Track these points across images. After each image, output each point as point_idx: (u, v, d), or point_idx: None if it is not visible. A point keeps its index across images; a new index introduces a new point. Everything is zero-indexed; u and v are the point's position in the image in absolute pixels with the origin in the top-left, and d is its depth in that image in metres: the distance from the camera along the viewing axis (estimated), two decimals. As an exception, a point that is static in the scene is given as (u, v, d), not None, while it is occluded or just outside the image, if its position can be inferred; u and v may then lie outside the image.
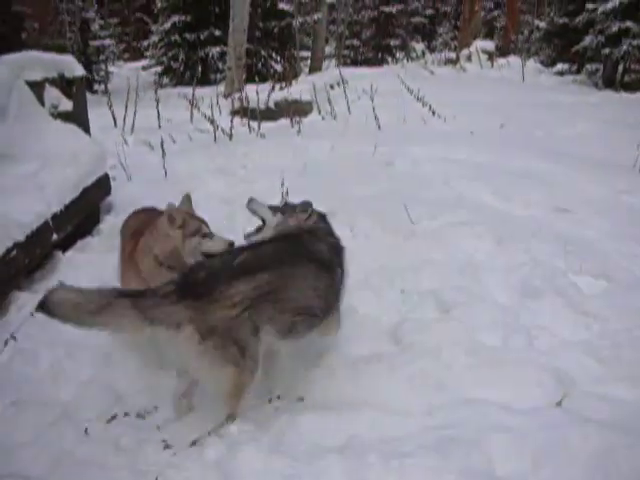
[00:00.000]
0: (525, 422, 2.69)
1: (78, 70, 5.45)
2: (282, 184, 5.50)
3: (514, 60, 16.64)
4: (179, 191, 6.03)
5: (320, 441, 2.70)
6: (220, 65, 16.41)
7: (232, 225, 5.21)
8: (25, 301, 4.07)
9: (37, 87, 5.40)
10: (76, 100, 5.45)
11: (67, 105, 5.45)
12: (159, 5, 18.33)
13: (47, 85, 5.42)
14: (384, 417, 2.84)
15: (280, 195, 5.36)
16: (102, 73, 16.44)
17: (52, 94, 5.45)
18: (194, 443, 2.73)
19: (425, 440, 2.63)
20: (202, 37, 16.30)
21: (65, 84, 5.43)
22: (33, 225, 4.26)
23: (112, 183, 5.76)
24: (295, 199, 3.68)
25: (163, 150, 6.57)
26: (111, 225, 5.17)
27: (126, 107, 9.47)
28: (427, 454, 2.52)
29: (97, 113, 7.93)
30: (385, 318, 3.78)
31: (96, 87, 15.39)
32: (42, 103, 5.46)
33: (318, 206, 3.45)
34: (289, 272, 2.93)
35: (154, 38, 17.96)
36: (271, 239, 3.17)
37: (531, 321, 3.61)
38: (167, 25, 16.70)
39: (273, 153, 7.45)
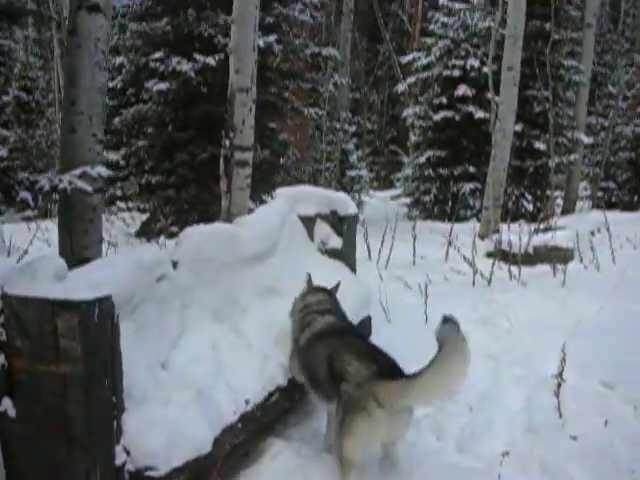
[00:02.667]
0: None
1: (351, 208, 5.29)
2: (562, 349, 4.74)
3: None
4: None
5: None
6: (471, 202, 16.10)
7: (499, 385, 4.60)
8: (279, 450, 3.72)
9: (309, 222, 5.30)
10: (346, 238, 5.26)
11: (337, 242, 5.27)
12: (413, 139, 18.72)
13: (319, 220, 5.29)
14: None
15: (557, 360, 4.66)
16: (356, 202, 16.86)
17: (323, 230, 5.30)
18: None
19: None
20: (456, 173, 16.20)
21: (337, 221, 5.25)
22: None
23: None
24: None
25: (426, 294, 6.14)
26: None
27: (382, 241, 9.33)
28: None
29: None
30: None
31: (348, 216, 15.64)
32: (312, 238, 5.33)
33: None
34: None
35: (407, 171, 18.24)
36: None
37: None
38: (422, 159, 16.88)
39: (537, 305, 6.80)
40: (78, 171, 4.59)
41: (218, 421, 3.29)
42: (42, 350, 2.75)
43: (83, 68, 4.91)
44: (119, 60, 14.18)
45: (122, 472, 2.85)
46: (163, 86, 12.14)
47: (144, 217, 14.68)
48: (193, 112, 12.59)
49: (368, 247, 9.53)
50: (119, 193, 16.42)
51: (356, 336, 3.85)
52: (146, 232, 13.87)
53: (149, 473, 2.81)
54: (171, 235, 11.21)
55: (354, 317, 4.92)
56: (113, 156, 15.55)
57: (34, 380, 2.82)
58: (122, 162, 15.51)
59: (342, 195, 5.50)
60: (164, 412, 3.05)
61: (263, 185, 12.97)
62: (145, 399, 3.07)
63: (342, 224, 5.33)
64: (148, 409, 3.01)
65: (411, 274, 8.03)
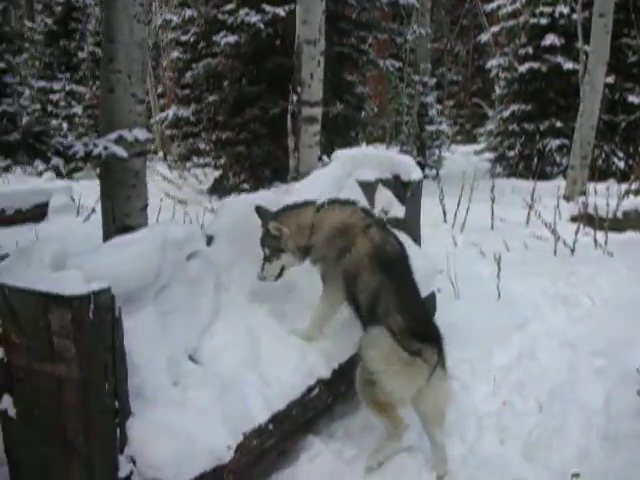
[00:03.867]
0: None
1: (415, 173, 4.75)
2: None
3: None
4: (513, 322, 5.08)
5: None
6: (558, 159, 15.06)
7: (575, 379, 4.03)
8: (319, 450, 3.33)
9: (369, 187, 4.81)
10: (409, 206, 4.74)
11: (399, 211, 4.76)
12: (498, 92, 17.72)
13: (380, 186, 4.78)
14: None
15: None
16: (435, 158, 16.14)
17: (384, 197, 4.80)
18: None
19: None
20: (542, 128, 15.19)
21: (400, 187, 4.73)
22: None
23: (437, 297, 4.91)
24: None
25: (499, 266, 5.55)
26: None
27: (459, 202, 8.70)
28: None
29: (427, 204, 7.15)
30: None
31: (427, 172, 15.01)
32: (372, 205, 4.83)
33: None
34: None
35: (490, 125, 17.28)
36: None
37: None
38: (506, 113, 15.92)
39: (624, 280, 6.06)
40: (114, 135, 4.24)
41: (244, 423, 2.91)
42: (37, 348, 2.43)
43: (120, 22, 4.51)
44: (189, 13, 13.81)
45: (128, 484, 2.51)
46: (232, 39, 11.76)
47: (217, 174, 14.47)
48: (264, 65, 12.21)
49: (443, 208, 8.93)
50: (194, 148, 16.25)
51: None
52: (218, 189, 13.70)
53: (156, 486, 2.46)
54: (241, 193, 10.95)
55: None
56: (184, 112, 15.33)
57: (31, 379, 2.51)
58: (192, 118, 15.28)
59: (406, 158, 4.96)
60: (178, 415, 2.70)
61: (339, 140, 12.49)
62: (157, 400, 2.71)
63: (405, 190, 4.82)
64: (159, 413, 2.66)
65: (488, 239, 7.41)
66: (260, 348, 3.39)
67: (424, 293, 4.56)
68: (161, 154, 20.18)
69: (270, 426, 3.03)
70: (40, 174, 11.78)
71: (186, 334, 3.28)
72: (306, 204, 3.71)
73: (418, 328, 3.19)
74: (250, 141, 12.70)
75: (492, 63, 17.33)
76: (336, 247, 3.49)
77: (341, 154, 4.88)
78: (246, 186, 12.97)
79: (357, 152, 4.94)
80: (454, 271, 5.70)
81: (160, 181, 13.78)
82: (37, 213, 10.26)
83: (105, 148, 4.09)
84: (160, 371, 2.87)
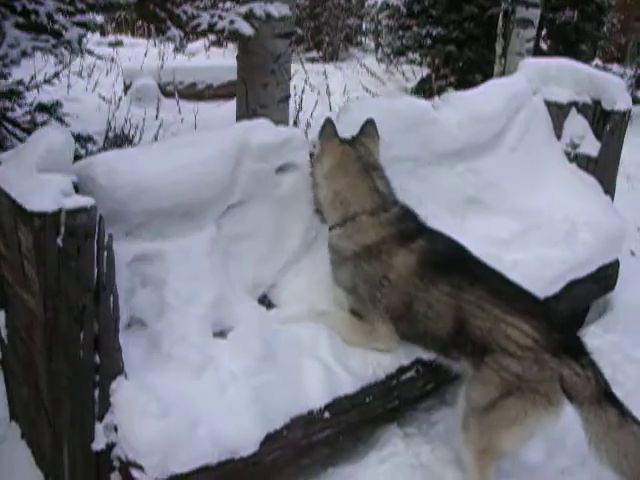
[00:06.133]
0: None
1: (623, 101, 3.55)
2: None
3: None
4: None
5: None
6: None
7: None
8: (395, 448, 2.62)
9: (559, 111, 3.72)
10: (608, 143, 3.60)
11: (593, 147, 3.65)
12: None
13: (573, 111, 3.67)
14: None
15: None
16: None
17: (576, 126, 3.70)
18: None
19: None
20: None
21: (599, 116, 3.58)
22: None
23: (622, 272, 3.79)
24: None
25: None
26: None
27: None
28: None
29: (632, 142, 5.54)
30: None
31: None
32: (559, 135, 3.75)
33: None
34: None
35: None
36: None
37: None
38: None
39: None
40: (244, 7, 3.48)
41: (287, 406, 2.18)
42: (16, 267, 1.86)
43: None
44: None
45: (104, 460, 1.93)
46: None
47: (425, 73, 13.41)
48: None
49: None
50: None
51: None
52: (424, 89, 12.75)
53: (134, 474, 1.85)
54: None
55: (590, 262, 3.41)
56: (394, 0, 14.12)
57: (15, 303, 1.97)
58: (403, 9, 14.08)
59: (613, 79, 3.73)
60: (189, 383, 2.02)
61: (565, 54, 10.84)
62: (171, 358, 2.07)
63: (606, 122, 3.64)
64: (164, 376, 2.01)
65: None
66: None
67: (606, 259, 3.53)
68: (373, 45, 19.27)
69: (326, 414, 2.29)
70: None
71: (260, 267, 2.61)
72: None
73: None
74: (463, 41, 11.60)
75: None
76: None
77: (529, 63, 3.81)
78: (452, 90, 11.92)
79: (551, 62, 3.79)
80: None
81: (364, 73, 13.10)
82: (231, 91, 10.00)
83: (231, 22, 3.38)
84: (195, 316, 2.23)
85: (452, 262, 2.48)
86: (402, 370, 2.53)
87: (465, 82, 12.18)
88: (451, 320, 2.35)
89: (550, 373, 2.21)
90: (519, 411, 2.24)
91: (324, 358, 2.35)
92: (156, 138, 6.04)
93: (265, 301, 2.62)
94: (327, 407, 2.27)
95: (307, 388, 2.25)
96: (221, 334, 2.30)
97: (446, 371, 2.55)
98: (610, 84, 3.59)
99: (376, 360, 2.46)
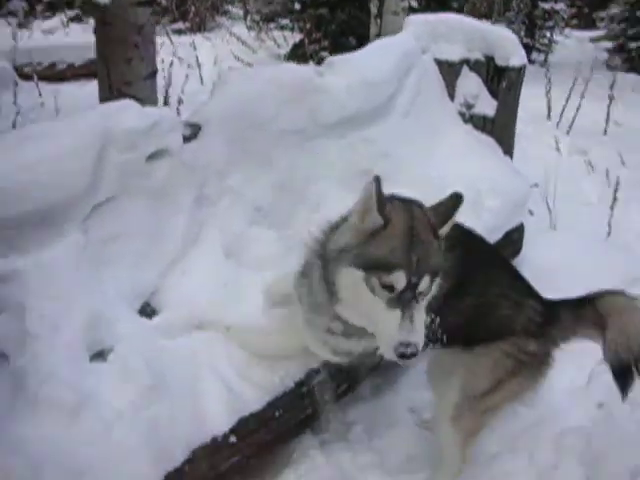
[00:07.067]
0: None
1: (517, 56, 3.37)
2: None
3: None
4: (627, 271, 3.77)
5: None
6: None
7: None
8: (315, 464, 2.30)
9: (450, 70, 3.48)
10: (503, 101, 3.39)
11: (489, 106, 3.45)
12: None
13: (465, 69, 3.43)
14: None
15: None
16: (545, 41, 14.03)
17: (469, 85, 3.48)
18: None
19: None
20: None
21: (493, 73, 3.36)
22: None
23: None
24: None
25: (615, 194, 4.16)
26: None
27: (568, 97, 7.05)
28: None
29: (529, 94, 5.49)
30: None
31: (534, 56, 13.11)
32: (452, 95, 3.51)
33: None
34: None
35: (614, 9, 14.84)
36: None
37: None
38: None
39: None
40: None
41: (187, 438, 1.80)
42: None
43: None
44: None
45: None
46: None
47: (297, 39, 13.09)
48: None
49: (549, 102, 7.30)
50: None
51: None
52: (297, 55, 12.47)
53: None
54: (320, 62, 9.72)
55: (497, 229, 3.21)
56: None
57: None
58: (271, -29, 13.71)
59: (506, 33, 3.52)
60: (67, 429, 1.62)
61: (436, 11, 10.85)
62: (40, 401, 1.64)
63: (501, 79, 3.43)
64: (32, 425, 1.59)
65: (599, 147, 5.97)
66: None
67: (511, 224, 3.35)
68: (241, 13, 18.68)
69: (232, 438, 1.94)
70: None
71: (138, 272, 2.20)
72: None
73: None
74: (335, 3, 11.48)
75: None
76: None
77: (416, 20, 3.53)
78: (326, 54, 11.70)
79: (439, 19, 3.53)
80: (553, 188, 4.36)
81: (234, 42, 12.63)
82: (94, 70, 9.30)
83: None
84: (65, 344, 1.80)
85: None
86: (312, 374, 2.21)
87: (339, 45, 12.01)
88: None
89: (552, 341, 2.28)
90: (521, 385, 2.29)
91: (223, 373, 2.01)
92: (14, 126, 5.43)
93: (148, 310, 2.22)
94: (232, 431, 1.94)
95: (207, 412, 1.91)
96: (100, 355, 1.89)
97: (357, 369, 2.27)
98: (503, 39, 3.38)
99: (283, 368, 2.12)
